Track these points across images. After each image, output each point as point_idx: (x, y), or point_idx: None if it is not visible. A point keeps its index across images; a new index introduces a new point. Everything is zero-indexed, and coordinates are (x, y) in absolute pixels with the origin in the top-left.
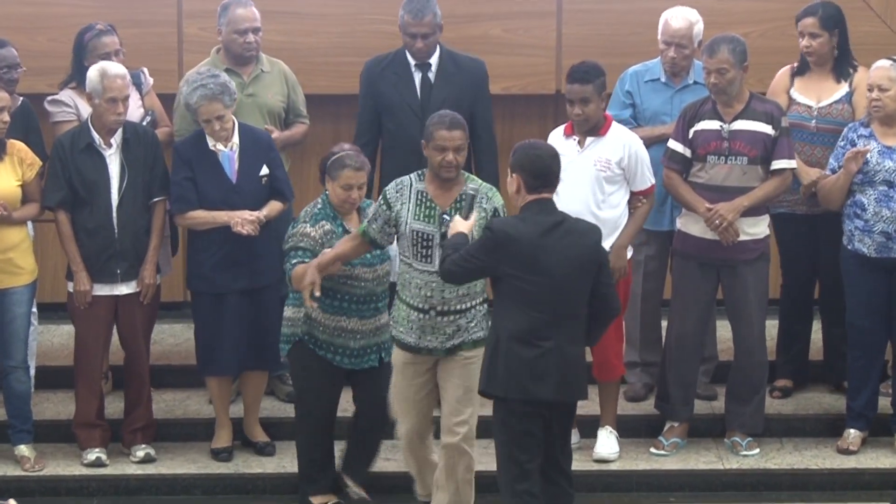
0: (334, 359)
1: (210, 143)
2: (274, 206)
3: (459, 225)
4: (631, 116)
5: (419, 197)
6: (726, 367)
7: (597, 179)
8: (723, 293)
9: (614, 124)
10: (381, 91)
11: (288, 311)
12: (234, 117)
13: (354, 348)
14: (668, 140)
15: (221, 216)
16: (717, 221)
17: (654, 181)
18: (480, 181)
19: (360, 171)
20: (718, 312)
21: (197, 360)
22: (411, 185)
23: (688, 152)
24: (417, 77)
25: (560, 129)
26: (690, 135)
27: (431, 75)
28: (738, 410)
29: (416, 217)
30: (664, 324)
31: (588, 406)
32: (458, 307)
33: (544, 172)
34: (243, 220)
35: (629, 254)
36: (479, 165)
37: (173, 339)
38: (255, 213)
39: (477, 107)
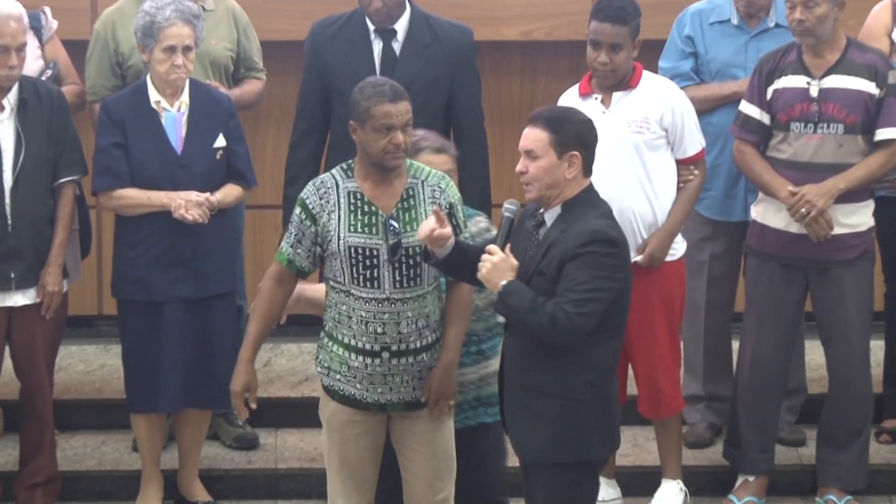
0: None
1: (152, 98)
2: (231, 191)
3: (504, 268)
4: (692, 69)
5: (353, 200)
6: (818, 403)
7: (635, 147)
8: (813, 304)
9: (646, 73)
10: (330, 64)
11: None
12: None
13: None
14: (740, 102)
15: (160, 197)
16: (803, 209)
17: (704, 143)
18: (424, 167)
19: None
20: (808, 329)
21: (126, 391)
22: (337, 184)
23: (766, 118)
24: (377, 47)
25: (574, 89)
26: (769, 95)
27: (396, 45)
28: (834, 460)
29: (352, 228)
30: (735, 345)
31: (630, 453)
32: (419, 344)
33: (595, 146)
34: (188, 203)
35: (683, 248)
36: (465, 168)
37: (83, 365)
38: (205, 195)
39: (459, 90)
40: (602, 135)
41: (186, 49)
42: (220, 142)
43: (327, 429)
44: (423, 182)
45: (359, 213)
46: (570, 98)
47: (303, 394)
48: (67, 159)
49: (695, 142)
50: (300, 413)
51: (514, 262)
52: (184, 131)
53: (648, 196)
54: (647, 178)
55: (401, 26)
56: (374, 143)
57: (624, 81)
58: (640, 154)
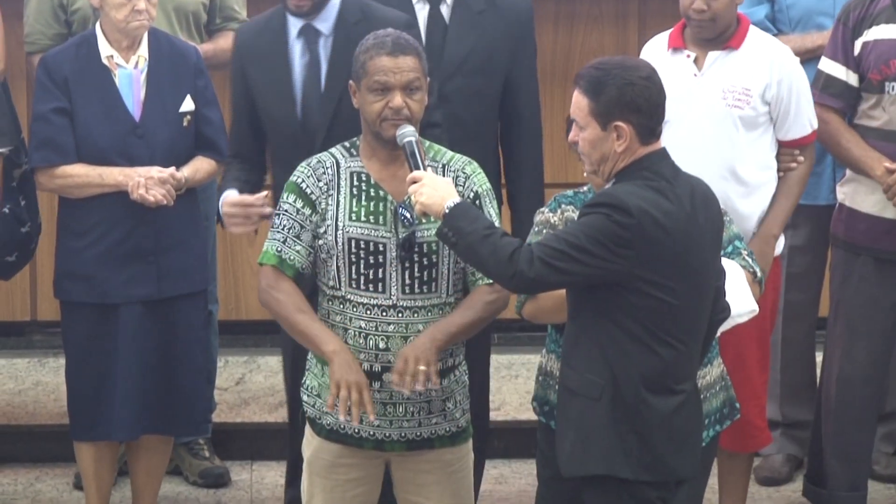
0: None
1: (104, 52)
2: (201, 166)
3: (443, 185)
4: (768, 17)
5: (356, 182)
6: None
7: (730, 123)
8: None
9: (753, 29)
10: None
11: None
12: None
13: None
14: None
15: (114, 174)
16: None
17: (816, 125)
18: (446, 150)
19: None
20: None
21: (69, 415)
22: (337, 164)
23: (853, 78)
24: (423, 13)
25: (662, 39)
26: (857, 49)
27: (446, 10)
28: None
29: (354, 215)
30: (819, 359)
31: None
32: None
33: (661, 104)
34: (149, 181)
35: (781, 244)
36: (516, 157)
37: (14, 383)
38: (169, 171)
39: (520, 71)
40: (691, 102)
41: None
42: (188, 105)
43: (308, 472)
44: (444, 166)
45: (363, 197)
46: (654, 50)
47: (284, 418)
48: None
49: (804, 122)
50: (280, 442)
51: (441, 179)
52: (142, 93)
53: (738, 183)
54: (738, 162)
55: None
56: (369, 107)
57: (724, 37)
58: (735, 132)
